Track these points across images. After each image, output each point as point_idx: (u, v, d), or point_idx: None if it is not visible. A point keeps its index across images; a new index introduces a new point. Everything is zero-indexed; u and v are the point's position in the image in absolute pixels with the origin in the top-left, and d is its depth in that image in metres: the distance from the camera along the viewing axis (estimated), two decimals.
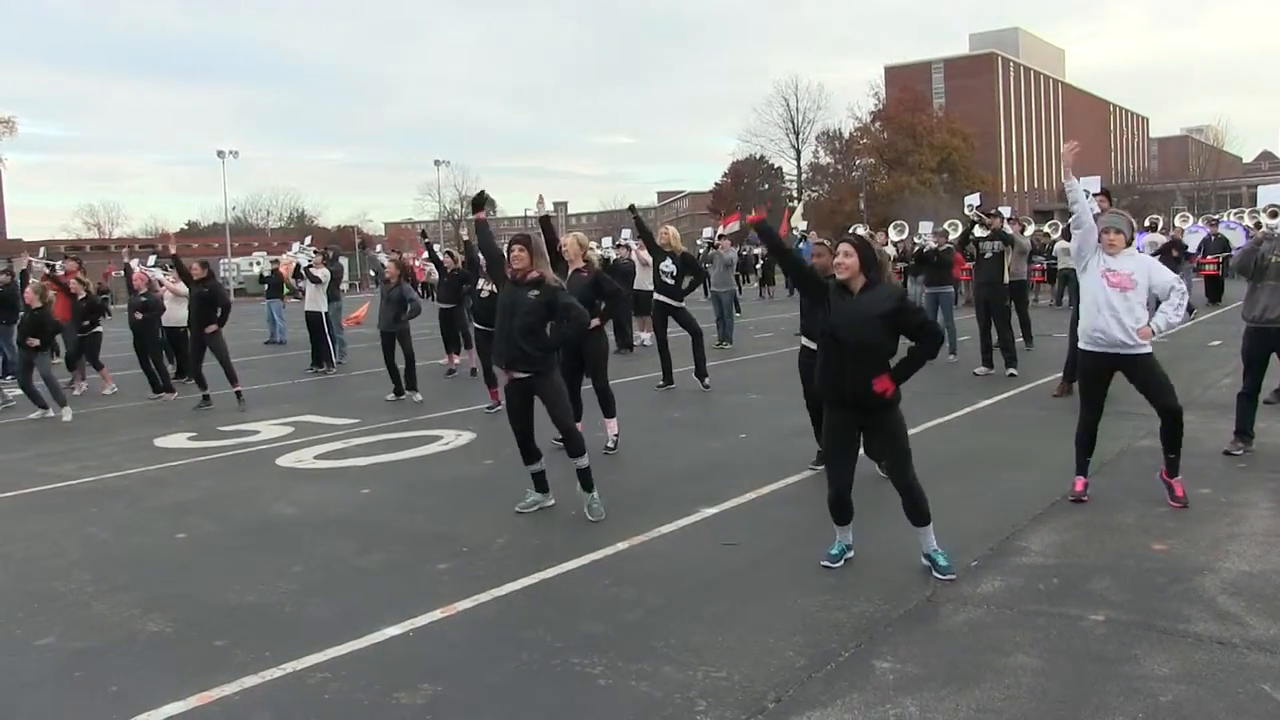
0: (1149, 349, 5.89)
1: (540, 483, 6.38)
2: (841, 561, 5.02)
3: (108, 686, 4.00)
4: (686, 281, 11.98)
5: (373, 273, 15.96)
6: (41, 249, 25.48)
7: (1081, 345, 6.09)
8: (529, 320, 6.00)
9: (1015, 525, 5.64)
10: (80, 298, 13.58)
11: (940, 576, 4.76)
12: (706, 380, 11.58)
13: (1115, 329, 5.82)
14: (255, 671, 4.03)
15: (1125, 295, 5.85)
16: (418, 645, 4.31)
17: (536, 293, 6.02)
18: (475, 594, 4.85)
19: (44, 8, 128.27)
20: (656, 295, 12.04)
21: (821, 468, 5.65)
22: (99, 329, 13.87)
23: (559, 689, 3.83)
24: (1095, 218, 6.13)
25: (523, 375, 6.07)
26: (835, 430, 4.90)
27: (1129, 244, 6.01)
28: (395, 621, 4.50)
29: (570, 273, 7.96)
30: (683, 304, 11.94)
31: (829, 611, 4.47)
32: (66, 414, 11.45)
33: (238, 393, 11.83)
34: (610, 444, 8.20)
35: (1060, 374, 10.19)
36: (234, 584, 5.21)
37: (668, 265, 11.88)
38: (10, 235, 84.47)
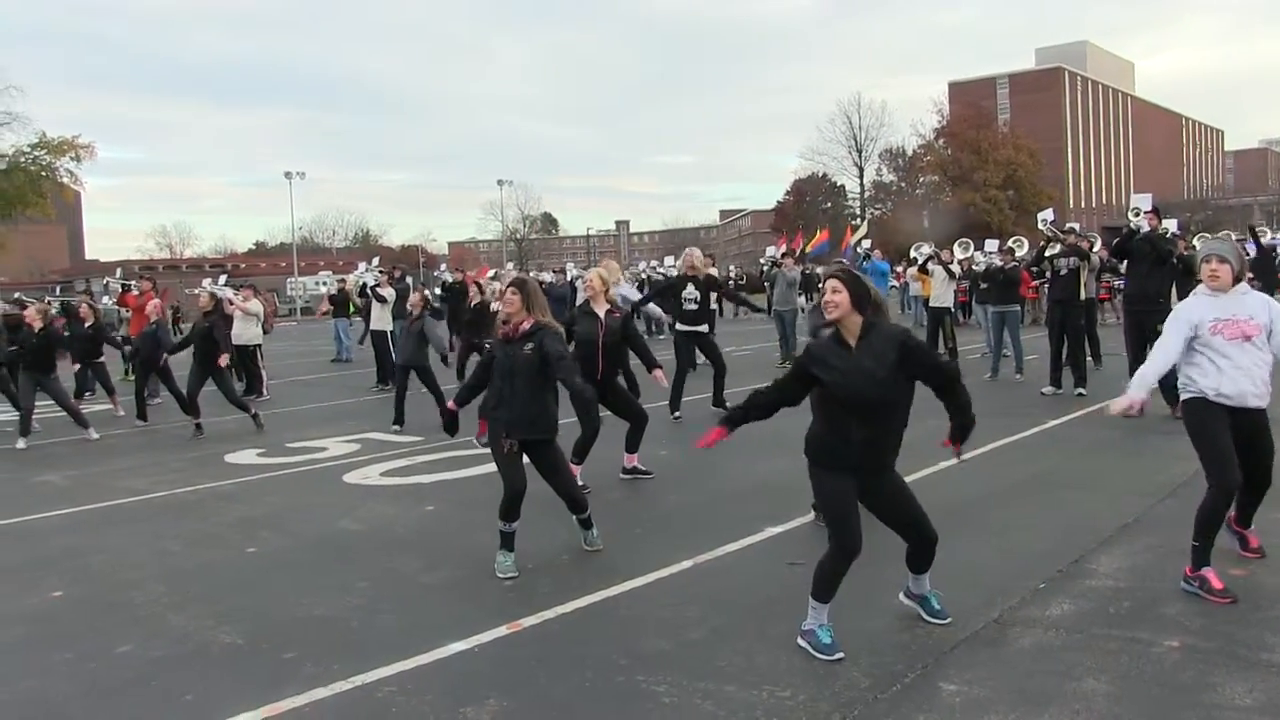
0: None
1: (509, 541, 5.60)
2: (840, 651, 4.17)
3: (183, 695, 4.11)
4: (713, 299, 11.40)
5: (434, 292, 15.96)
6: (118, 269, 26.37)
7: (1197, 396, 4.82)
8: (531, 382, 5.50)
9: (1084, 547, 5.52)
10: (88, 324, 13.82)
11: (934, 620, 4.47)
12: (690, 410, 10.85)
13: (1245, 383, 4.66)
14: (324, 684, 4.10)
15: (1252, 345, 4.62)
16: (483, 661, 4.35)
17: (531, 345, 5.48)
18: (540, 610, 4.88)
19: (120, 38, 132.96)
20: (680, 326, 11.09)
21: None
22: (100, 359, 14.10)
23: (623, 706, 3.84)
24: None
25: (523, 439, 5.57)
26: (842, 494, 4.33)
27: (1238, 280, 4.72)
28: (461, 637, 4.55)
29: (604, 313, 7.58)
30: (709, 331, 11.41)
31: (894, 633, 4.43)
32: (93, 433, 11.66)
33: (254, 415, 11.85)
34: (640, 465, 7.87)
35: None
36: (303, 598, 5.31)
37: (690, 291, 11.03)
38: (88, 256, 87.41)
